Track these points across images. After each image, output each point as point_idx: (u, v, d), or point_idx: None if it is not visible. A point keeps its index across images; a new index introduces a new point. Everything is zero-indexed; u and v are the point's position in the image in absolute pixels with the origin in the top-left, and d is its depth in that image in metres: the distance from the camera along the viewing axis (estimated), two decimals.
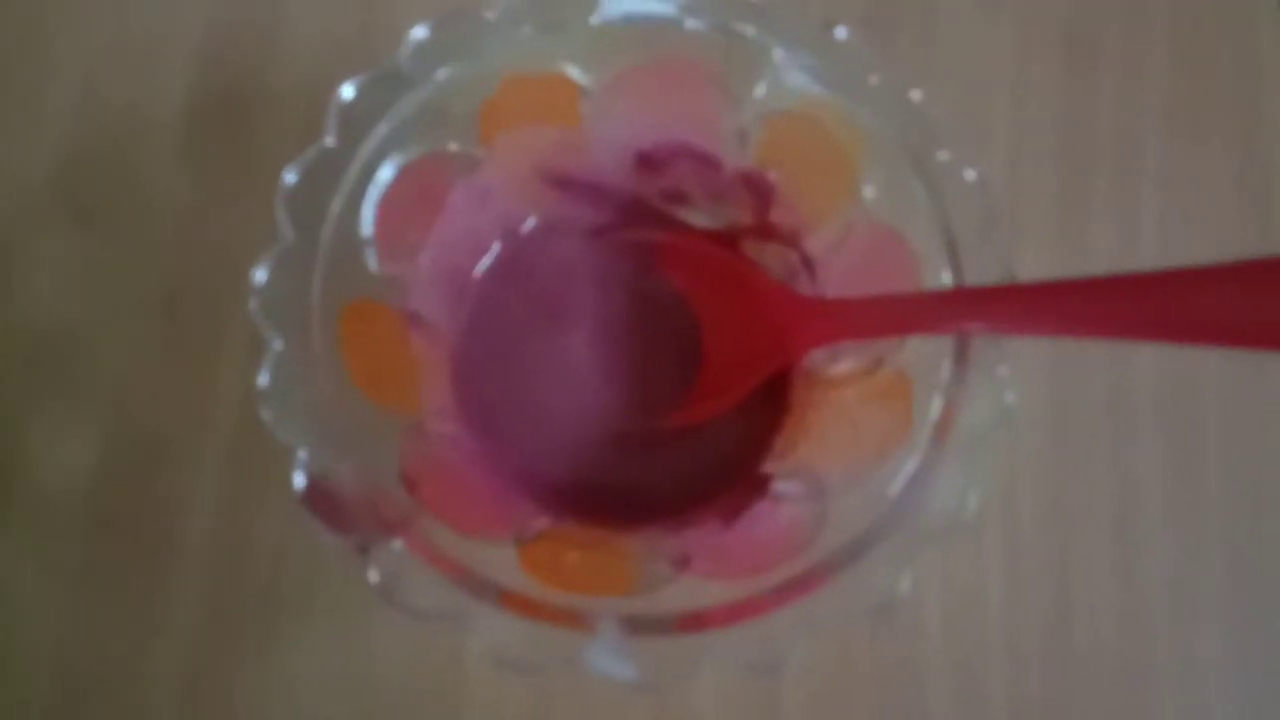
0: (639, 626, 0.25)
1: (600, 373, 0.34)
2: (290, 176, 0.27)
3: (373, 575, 0.24)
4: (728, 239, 0.35)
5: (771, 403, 0.33)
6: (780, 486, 0.30)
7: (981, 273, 0.28)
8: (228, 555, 0.35)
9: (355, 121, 0.28)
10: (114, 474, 0.36)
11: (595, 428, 0.34)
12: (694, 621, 0.25)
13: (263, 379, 0.26)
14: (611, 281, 0.35)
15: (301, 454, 0.25)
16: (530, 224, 0.35)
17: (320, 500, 0.25)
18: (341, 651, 0.34)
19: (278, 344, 0.26)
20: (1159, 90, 0.41)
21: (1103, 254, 0.39)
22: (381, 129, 0.28)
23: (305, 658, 0.34)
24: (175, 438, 0.36)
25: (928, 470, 0.26)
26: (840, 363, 0.31)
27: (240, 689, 0.34)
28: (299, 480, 0.25)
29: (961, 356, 0.27)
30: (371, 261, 0.29)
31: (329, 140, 0.28)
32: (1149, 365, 0.38)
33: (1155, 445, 0.38)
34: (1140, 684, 0.36)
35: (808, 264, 0.32)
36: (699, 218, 0.35)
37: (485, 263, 0.34)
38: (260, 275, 0.26)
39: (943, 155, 0.29)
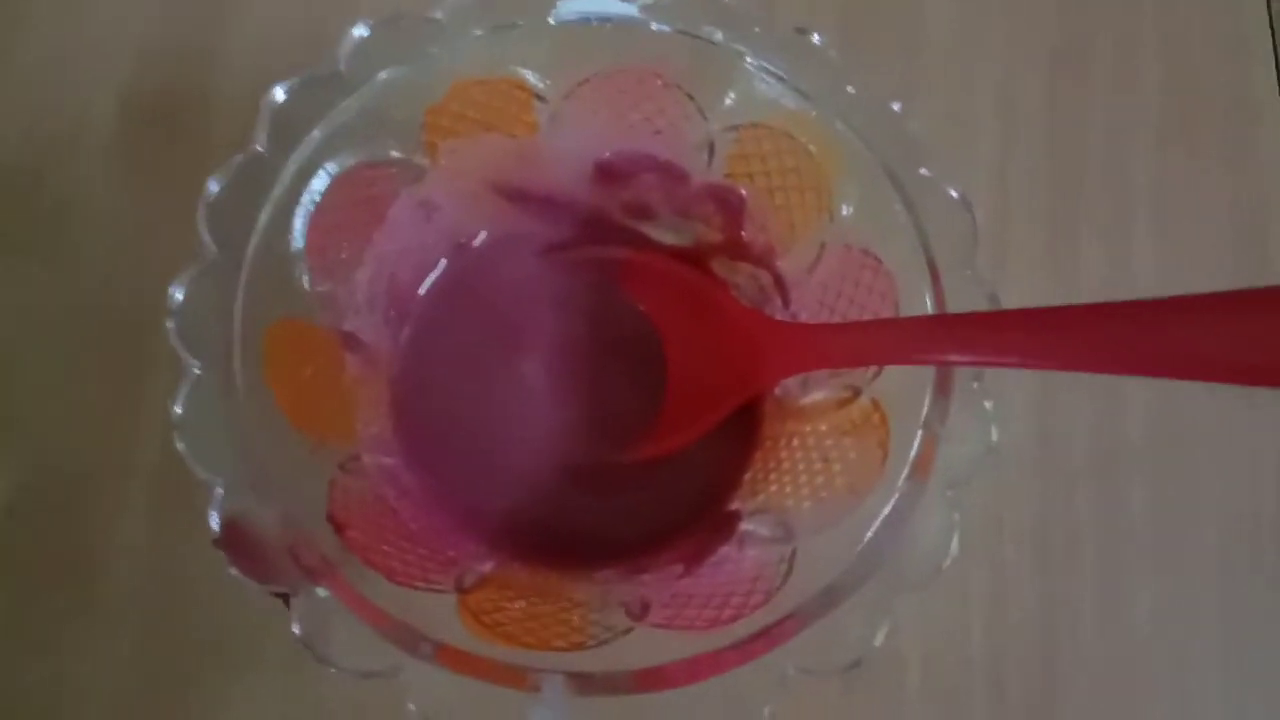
0: (588, 684, 0.23)
1: (555, 402, 0.33)
2: (214, 185, 0.26)
3: (295, 626, 0.23)
4: (696, 258, 0.34)
5: (740, 435, 0.32)
6: (747, 527, 0.29)
7: (964, 297, 0.27)
8: (157, 600, 0.33)
9: (288, 126, 0.27)
10: (30, 510, 0.34)
11: (548, 462, 0.33)
12: (650, 679, 0.24)
13: (178, 407, 0.24)
14: (569, 302, 0.34)
15: (218, 490, 0.24)
16: (480, 239, 0.34)
17: (237, 542, 0.23)
18: (286, 707, 0.33)
19: (196, 369, 0.25)
20: (1150, 110, 0.40)
21: (1093, 275, 0.38)
22: (316, 134, 0.27)
23: (246, 706, 0.33)
24: (98, 469, 0.34)
25: (905, 511, 0.25)
26: (813, 393, 0.31)
27: None
28: (214, 520, 0.23)
29: (943, 388, 0.26)
30: (303, 278, 0.28)
31: (258, 146, 0.26)
32: (1137, 398, 0.38)
33: (1144, 483, 0.37)
34: None
35: (780, 285, 0.32)
36: (664, 234, 0.34)
37: (430, 281, 0.33)
38: (178, 293, 0.25)
39: (924, 171, 0.28)
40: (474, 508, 0.31)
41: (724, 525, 0.30)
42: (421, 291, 0.33)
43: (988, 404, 0.26)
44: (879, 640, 0.24)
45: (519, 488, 0.32)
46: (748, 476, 0.32)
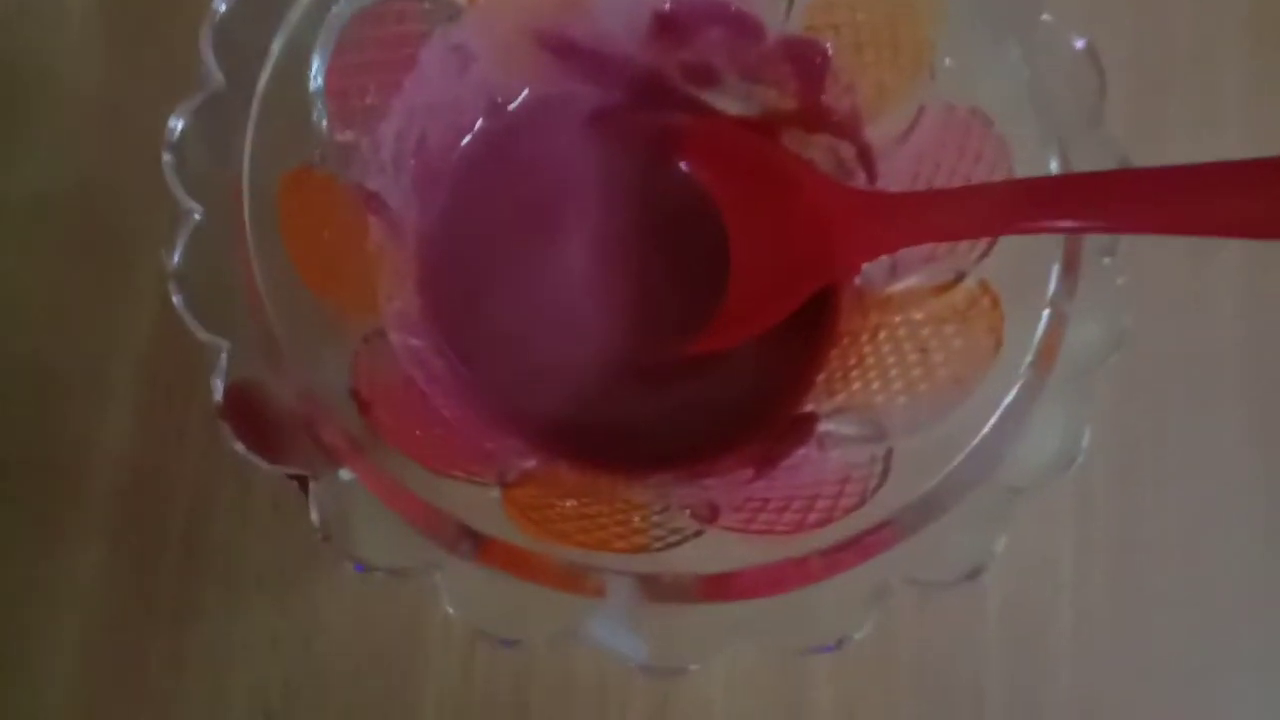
0: (659, 589, 0.20)
1: (602, 287, 0.30)
2: (221, 4, 0.22)
3: (314, 513, 0.20)
4: (763, 130, 0.30)
5: (812, 332, 0.29)
6: (828, 427, 0.26)
7: (1090, 164, 0.24)
8: (140, 499, 0.31)
9: None
10: (6, 401, 0.31)
11: (594, 354, 0.29)
12: (727, 586, 0.21)
13: (177, 257, 0.21)
14: (620, 175, 0.30)
15: (223, 354, 0.20)
16: (520, 100, 0.30)
17: (244, 415, 0.20)
18: (275, 617, 0.30)
19: (197, 213, 0.21)
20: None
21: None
22: None
23: (232, 623, 0.30)
24: (81, 358, 0.31)
25: (1025, 403, 0.22)
26: (904, 278, 0.27)
27: (153, 658, 0.30)
28: (218, 387, 0.20)
29: (1071, 263, 0.23)
30: (322, 123, 0.24)
31: None
32: (1234, 315, 0.34)
33: (1240, 404, 0.34)
34: (1220, 678, 0.32)
35: (865, 158, 0.28)
36: (728, 103, 0.31)
37: (465, 143, 0.30)
38: (178, 125, 0.21)
39: (1045, 17, 0.24)
40: (511, 401, 0.28)
41: (797, 428, 0.27)
42: (454, 157, 0.29)
43: (1121, 280, 0.23)
44: (999, 547, 0.21)
45: (560, 382, 0.29)
46: (822, 377, 0.28)
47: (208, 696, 0.30)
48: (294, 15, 0.23)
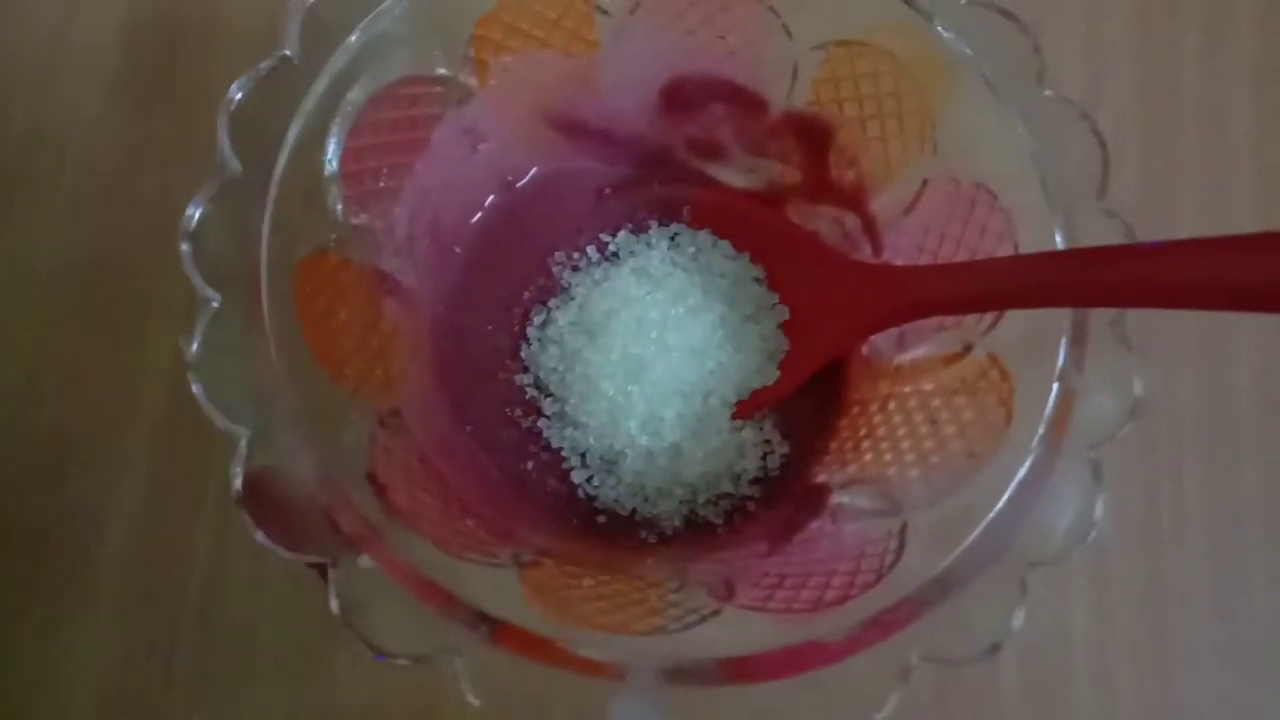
0: (679, 674, 0.20)
1: None
2: (237, 92, 0.23)
3: (333, 602, 0.20)
4: (769, 202, 0.30)
5: (821, 401, 0.29)
6: (841, 499, 0.26)
7: (1096, 237, 0.24)
8: (151, 576, 0.30)
9: (322, 30, 0.24)
10: (15, 473, 0.31)
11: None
12: (748, 668, 0.21)
13: (195, 345, 0.21)
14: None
15: (242, 442, 0.20)
16: (529, 177, 0.31)
17: (263, 503, 0.20)
18: (293, 696, 0.30)
19: (215, 301, 0.21)
20: (1245, 52, 0.37)
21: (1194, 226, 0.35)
22: (354, 41, 0.24)
23: (249, 700, 0.30)
24: (92, 431, 0.31)
25: (1040, 476, 0.22)
26: (912, 349, 0.27)
27: None
28: (237, 475, 0.20)
29: (1078, 335, 0.23)
30: (337, 207, 0.24)
31: (288, 50, 0.23)
32: (1250, 368, 0.34)
33: (1257, 457, 0.33)
34: None
35: (870, 230, 0.29)
36: (733, 176, 0.31)
37: (475, 220, 0.30)
38: (196, 213, 0.22)
39: (1048, 92, 0.25)
40: (526, 476, 0.28)
41: (810, 499, 0.27)
42: (466, 234, 0.30)
43: (1129, 351, 0.23)
44: (1017, 622, 0.21)
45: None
46: (833, 445, 0.28)
47: None
48: (309, 101, 0.23)
